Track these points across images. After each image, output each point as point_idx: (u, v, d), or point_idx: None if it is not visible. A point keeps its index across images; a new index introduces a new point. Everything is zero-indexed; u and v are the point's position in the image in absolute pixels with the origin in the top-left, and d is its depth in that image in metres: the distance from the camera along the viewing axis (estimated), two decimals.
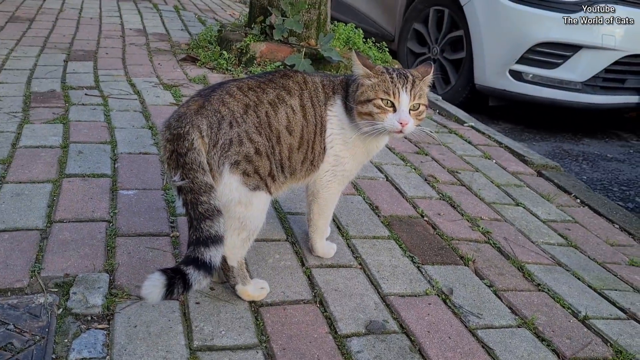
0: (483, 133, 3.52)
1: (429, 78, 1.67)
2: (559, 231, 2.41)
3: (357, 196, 2.40)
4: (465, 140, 3.35)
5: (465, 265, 2.01)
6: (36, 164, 2.29)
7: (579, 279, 2.06)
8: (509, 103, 4.60)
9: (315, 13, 4.11)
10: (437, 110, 3.88)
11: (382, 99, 1.59)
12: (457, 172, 2.84)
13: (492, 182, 2.79)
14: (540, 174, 3.04)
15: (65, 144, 2.51)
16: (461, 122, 3.68)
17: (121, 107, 3.07)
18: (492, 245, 2.19)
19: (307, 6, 4.03)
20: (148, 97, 3.29)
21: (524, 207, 2.58)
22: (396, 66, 4.40)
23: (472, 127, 3.62)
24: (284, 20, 3.96)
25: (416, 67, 1.71)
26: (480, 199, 2.58)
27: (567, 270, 2.11)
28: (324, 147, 1.69)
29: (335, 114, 1.68)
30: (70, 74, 3.61)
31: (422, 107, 1.64)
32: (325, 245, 1.92)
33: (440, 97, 4.25)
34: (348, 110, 1.67)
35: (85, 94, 3.24)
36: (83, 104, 3.06)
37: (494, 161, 3.09)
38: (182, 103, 1.55)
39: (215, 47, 4.32)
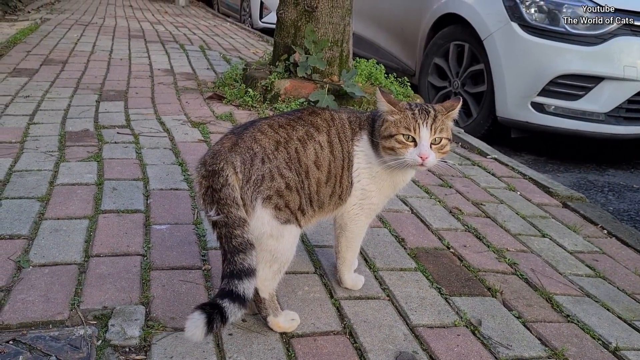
0: (506, 165, 3.55)
1: (455, 113, 1.71)
2: (586, 262, 2.40)
3: (383, 229, 2.44)
4: (489, 172, 3.37)
5: (492, 297, 2.02)
6: (73, 201, 2.38)
7: (608, 310, 2.05)
8: (531, 134, 4.62)
9: (338, 50, 4.22)
10: (460, 143, 3.92)
11: (403, 135, 1.64)
12: (481, 204, 2.86)
13: (517, 213, 2.80)
14: (565, 205, 3.04)
15: (100, 181, 2.61)
16: (484, 155, 3.71)
17: (152, 145, 3.18)
18: (519, 277, 2.19)
19: (329, 44, 4.14)
20: (177, 134, 3.40)
21: (550, 239, 2.58)
22: (418, 100, 4.47)
23: (496, 159, 3.65)
24: (307, 57, 4.07)
25: (445, 102, 1.75)
26: (505, 230, 2.59)
27: (596, 301, 2.10)
28: (351, 181, 1.74)
29: (361, 148, 1.74)
30: (102, 114, 3.75)
31: (444, 141, 1.68)
32: (353, 277, 1.95)
33: (463, 130, 4.29)
34: (374, 145, 1.72)
35: (117, 133, 3.36)
36: (115, 142, 3.18)
37: (519, 193, 3.10)
38: (217, 141, 1.62)
39: (240, 85, 4.44)
